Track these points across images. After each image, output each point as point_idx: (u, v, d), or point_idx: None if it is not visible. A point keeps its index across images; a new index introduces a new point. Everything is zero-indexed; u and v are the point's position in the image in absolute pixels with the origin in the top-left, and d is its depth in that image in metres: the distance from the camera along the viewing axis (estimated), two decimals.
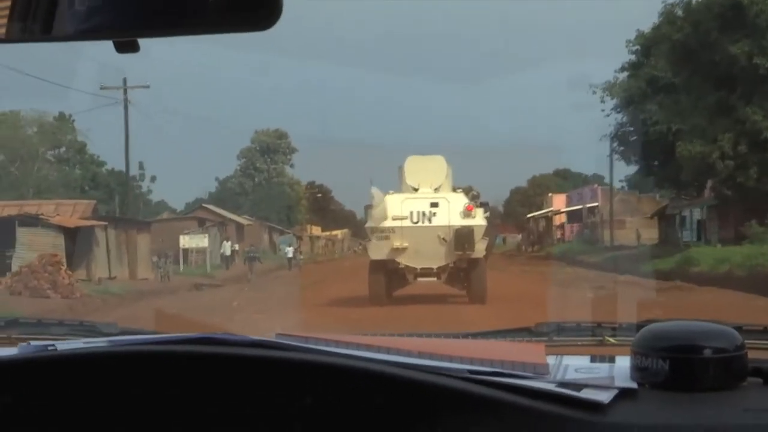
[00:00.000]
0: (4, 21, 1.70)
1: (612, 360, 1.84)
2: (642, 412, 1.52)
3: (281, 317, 18.19)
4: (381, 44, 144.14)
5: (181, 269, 44.60)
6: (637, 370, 1.61)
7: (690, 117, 37.94)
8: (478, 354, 1.66)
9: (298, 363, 1.56)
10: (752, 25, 34.46)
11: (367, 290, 24.61)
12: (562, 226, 74.54)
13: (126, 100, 43.78)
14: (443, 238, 24.56)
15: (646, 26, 47.18)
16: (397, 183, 26.42)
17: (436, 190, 25.61)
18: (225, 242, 53.34)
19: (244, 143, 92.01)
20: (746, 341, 1.65)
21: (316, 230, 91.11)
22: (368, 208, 25.18)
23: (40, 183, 58.40)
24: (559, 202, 76.09)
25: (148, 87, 45.84)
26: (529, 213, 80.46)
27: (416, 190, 25.57)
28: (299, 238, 78.08)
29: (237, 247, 55.78)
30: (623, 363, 1.72)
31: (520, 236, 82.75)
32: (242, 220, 68.19)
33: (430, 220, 24.69)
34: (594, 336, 2.61)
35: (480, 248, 24.77)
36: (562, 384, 1.57)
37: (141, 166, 69.48)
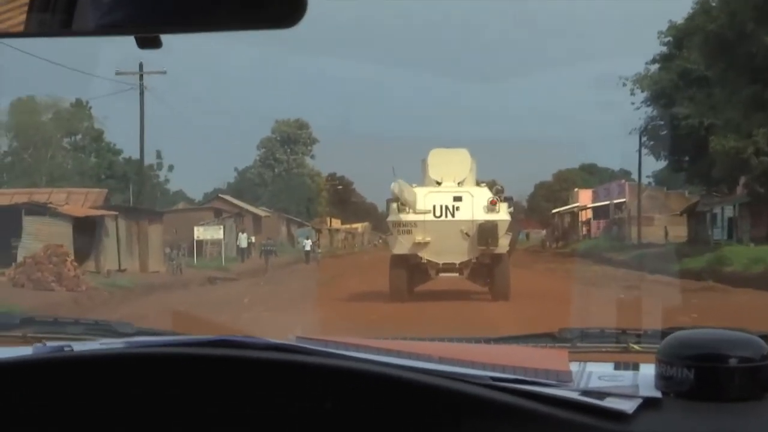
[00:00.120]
0: (23, 15, 1.72)
1: (636, 367, 1.86)
2: (666, 422, 1.53)
3: (296, 315, 18.12)
4: (406, 36, 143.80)
5: (195, 262, 44.37)
6: (662, 379, 1.62)
7: (724, 111, 37.70)
8: (500, 360, 1.67)
9: (318, 367, 1.57)
10: None
11: (387, 285, 24.62)
12: (587, 222, 74.30)
13: (142, 86, 43.83)
14: (466, 233, 24.54)
15: (679, 17, 47.01)
16: (420, 176, 26.42)
17: (460, 183, 25.57)
18: (241, 234, 53.27)
19: (264, 133, 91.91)
20: None
21: (336, 223, 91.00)
22: (390, 201, 25.16)
23: (53, 170, 58.46)
24: (585, 197, 75.87)
25: (164, 73, 45.71)
26: (554, 208, 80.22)
27: (439, 183, 25.56)
28: (318, 230, 78.07)
29: (253, 239, 55.77)
30: (648, 371, 1.73)
31: (544, 232, 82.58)
32: (260, 211, 68.16)
33: (453, 215, 24.67)
34: (618, 343, 2.63)
35: (503, 243, 24.74)
36: (586, 392, 1.58)
37: (159, 155, 69.60)
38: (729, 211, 48.03)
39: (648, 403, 1.56)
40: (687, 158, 49.77)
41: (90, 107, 64.00)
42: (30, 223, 32.99)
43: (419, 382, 1.53)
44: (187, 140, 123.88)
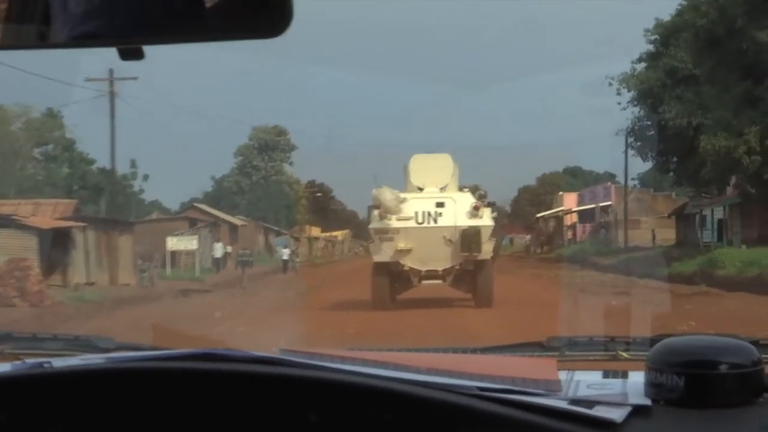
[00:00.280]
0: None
1: (625, 375, 1.88)
2: (656, 430, 1.56)
3: (273, 327, 18.01)
4: (386, 42, 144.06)
5: (168, 273, 44.06)
6: (652, 386, 1.65)
7: (714, 109, 37.55)
8: (488, 370, 1.70)
9: (303, 379, 1.59)
10: None
11: (369, 294, 24.64)
12: (573, 226, 74.37)
13: (112, 93, 43.63)
14: (449, 239, 24.59)
15: (666, 15, 47.10)
16: (401, 182, 26.46)
17: (442, 189, 25.65)
18: (216, 244, 53.08)
19: (241, 140, 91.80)
20: (763, 356, 1.69)
21: (316, 231, 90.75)
22: (371, 208, 25.16)
23: (23, 182, 57.91)
24: (570, 201, 75.94)
25: (136, 78, 45.45)
26: (538, 213, 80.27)
27: (421, 189, 25.62)
28: (297, 239, 77.89)
29: (230, 249, 55.55)
30: (637, 378, 1.75)
31: (528, 237, 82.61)
32: (236, 220, 67.91)
33: (435, 221, 24.71)
34: (607, 351, 2.65)
35: (487, 249, 24.80)
36: (575, 401, 1.60)
37: (133, 164, 68.96)
38: (719, 213, 48.05)
39: (638, 411, 1.57)
40: (675, 159, 49.75)
41: (62, 116, 63.48)
42: None
43: (407, 394, 1.54)
44: (163, 149, 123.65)
